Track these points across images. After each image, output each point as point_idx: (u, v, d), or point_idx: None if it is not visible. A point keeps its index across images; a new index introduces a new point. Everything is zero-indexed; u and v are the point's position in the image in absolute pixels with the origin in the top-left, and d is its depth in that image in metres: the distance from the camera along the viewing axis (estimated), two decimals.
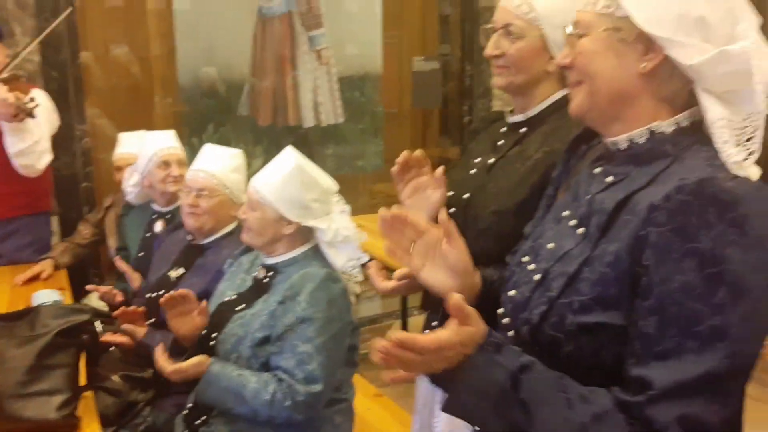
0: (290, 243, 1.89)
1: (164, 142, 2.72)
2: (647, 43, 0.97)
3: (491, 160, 1.57)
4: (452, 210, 1.55)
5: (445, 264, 1.12)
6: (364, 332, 4.18)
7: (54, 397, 1.59)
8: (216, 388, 1.76)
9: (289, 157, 1.87)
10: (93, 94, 3.56)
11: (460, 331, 0.95)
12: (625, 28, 0.98)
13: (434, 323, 1.21)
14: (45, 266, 2.89)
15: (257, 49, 3.89)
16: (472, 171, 1.61)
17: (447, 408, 1.00)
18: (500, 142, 1.59)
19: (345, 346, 1.87)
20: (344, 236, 1.84)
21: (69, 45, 3.37)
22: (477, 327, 0.96)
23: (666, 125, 1.00)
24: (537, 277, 1.06)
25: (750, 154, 0.96)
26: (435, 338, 0.93)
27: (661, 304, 0.90)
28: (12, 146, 2.78)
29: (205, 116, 3.81)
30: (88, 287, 2.67)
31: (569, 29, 1.05)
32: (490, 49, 1.52)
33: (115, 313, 2.17)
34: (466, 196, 1.57)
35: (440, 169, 1.54)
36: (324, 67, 4.05)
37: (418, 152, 1.55)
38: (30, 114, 2.70)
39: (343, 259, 1.86)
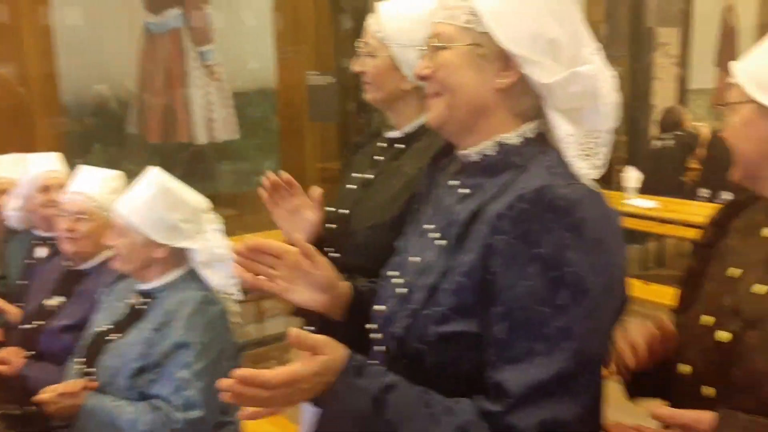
0: (163, 267, 1.84)
1: (45, 165, 2.59)
2: (505, 60, 1.01)
3: (369, 176, 1.58)
4: (332, 225, 1.55)
5: (309, 282, 1.13)
6: (270, 351, 4.12)
7: None
8: (93, 423, 1.68)
9: (152, 177, 1.82)
10: None
11: (313, 361, 0.93)
12: (485, 44, 1.01)
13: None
14: None
15: (145, 66, 3.78)
16: (352, 186, 1.61)
17: None
18: (378, 158, 1.60)
19: (226, 369, 1.81)
20: (218, 255, 1.79)
21: None
22: (333, 354, 0.95)
23: (514, 137, 1.04)
24: (402, 290, 1.07)
25: (595, 167, 1.02)
26: (285, 372, 0.92)
27: (510, 309, 0.93)
28: None
29: (91, 136, 3.65)
30: None
31: (429, 40, 1.06)
32: (355, 66, 1.54)
33: None
34: (345, 211, 1.56)
35: (317, 190, 1.54)
36: (216, 82, 3.98)
37: (285, 174, 1.54)
38: None
39: (220, 278, 1.81)
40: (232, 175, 4.18)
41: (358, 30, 4.59)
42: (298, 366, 0.93)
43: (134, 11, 3.71)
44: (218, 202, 1.92)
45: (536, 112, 1.04)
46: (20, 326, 2.20)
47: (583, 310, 0.91)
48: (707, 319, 1.13)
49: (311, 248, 1.12)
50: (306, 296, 1.13)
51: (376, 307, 1.13)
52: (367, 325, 1.14)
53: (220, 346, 1.76)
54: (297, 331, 0.94)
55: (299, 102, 4.50)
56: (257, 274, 1.12)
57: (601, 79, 1.02)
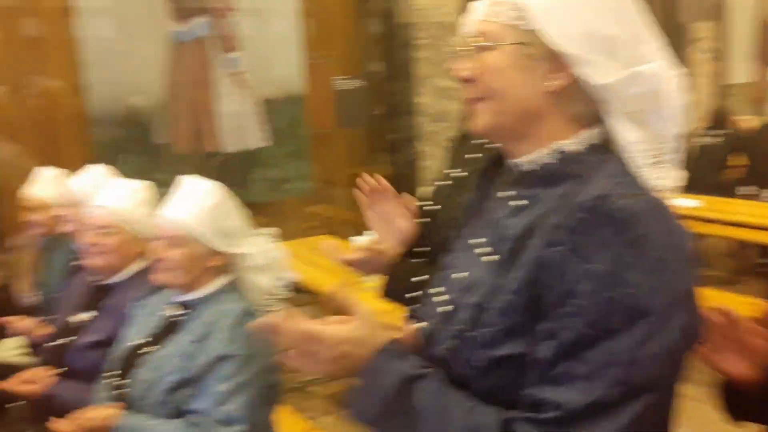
0: (209, 277, 1.78)
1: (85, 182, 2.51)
2: (555, 60, 0.92)
3: (464, 173, 1.53)
4: (425, 220, 1.53)
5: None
6: None
7: None
8: None
9: (206, 185, 1.78)
10: (3, 129, 3.36)
11: (348, 327, 0.93)
12: (534, 43, 0.92)
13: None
14: None
15: (172, 75, 3.75)
16: (445, 182, 1.57)
17: (349, 411, 0.95)
18: (472, 156, 1.54)
19: (266, 383, 1.75)
20: (272, 257, 1.76)
21: None
22: (373, 330, 0.94)
23: (573, 144, 0.95)
24: (444, 309, 0.98)
25: (667, 177, 0.94)
26: (312, 325, 0.92)
27: (556, 328, 0.85)
28: None
29: (119, 147, 3.64)
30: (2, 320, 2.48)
31: (472, 40, 0.98)
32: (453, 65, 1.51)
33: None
34: (436, 207, 1.54)
35: (409, 200, 1.52)
36: (244, 90, 3.94)
37: (381, 179, 1.53)
38: None
39: (269, 281, 1.77)
40: (262, 183, 4.14)
41: (385, 34, 4.56)
42: (323, 327, 0.92)
43: (161, 21, 3.69)
44: (249, 210, 1.86)
45: (595, 118, 0.95)
46: (47, 343, 2.15)
47: (636, 335, 0.82)
48: None
49: (351, 302, 0.99)
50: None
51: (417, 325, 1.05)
52: None
53: (262, 360, 1.68)
54: (341, 289, 0.93)
55: (328, 108, 4.45)
56: None
57: (665, 79, 0.93)
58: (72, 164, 2.83)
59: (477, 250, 0.99)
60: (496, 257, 0.95)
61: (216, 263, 1.76)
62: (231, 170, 3.97)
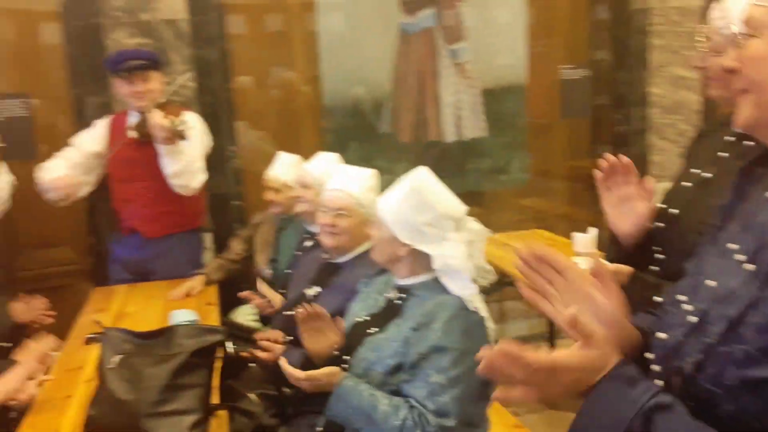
0: (411, 266, 1.82)
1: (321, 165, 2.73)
2: None
3: (708, 175, 1.42)
4: (659, 225, 1.46)
5: (591, 311, 0.96)
6: None
7: (187, 416, 1.61)
8: (346, 404, 1.71)
9: (411, 177, 1.81)
10: (245, 116, 3.71)
11: (582, 354, 0.85)
12: None
13: None
14: (197, 282, 3.02)
15: (399, 66, 3.88)
16: (686, 183, 1.47)
17: None
18: (722, 154, 1.43)
19: (480, 379, 1.75)
20: (451, 265, 1.73)
21: (221, 71, 3.55)
22: (605, 352, 0.86)
23: None
24: (693, 319, 0.90)
25: None
26: (548, 358, 0.84)
27: None
28: (168, 167, 2.95)
29: (348, 135, 3.84)
30: (242, 294, 2.74)
31: (735, 27, 0.89)
32: (697, 62, 1.43)
33: (257, 335, 2.21)
34: (674, 211, 1.45)
35: (650, 181, 1.46)
36: (466, 80, 3.96)
37: (624, 158, 1.47)
38: (181, 136, 2.84)
39: (456, 288, 1.75)
40: (478, 173, 4.14)
41: (614, 21, 4.32)
42: (564, 354, 0.85)
43: (391, 14, 3.83)
44: (464, 200, 1.87)
45: None
46: (282, 312, 2.35)
47: None
48: None
49: (608, 274, 0.98)
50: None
51: (658, 334, 0.97)
52: (646, 354, 0.98)
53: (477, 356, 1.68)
54: (575, 314, 0.85)
55: (550, 98, 4.33)
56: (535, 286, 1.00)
57: None
58: (308, 150, 3.05)
59: (735, 257, 0.89)
60: (755, 266, 0.86)
61: (404, 254, 1.79)
62: (449, 160, 4.01)
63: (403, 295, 1.85)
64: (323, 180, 2.61)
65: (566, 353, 0.85)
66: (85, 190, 3.13)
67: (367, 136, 3.88)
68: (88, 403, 1.70)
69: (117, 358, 1.72)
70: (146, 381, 1.65)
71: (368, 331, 1.86)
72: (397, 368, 1.73)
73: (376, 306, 1.93)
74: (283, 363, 1.86)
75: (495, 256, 2.97)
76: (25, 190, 3.39)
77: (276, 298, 2.62)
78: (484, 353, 0.85)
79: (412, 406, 1.67)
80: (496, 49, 4.03)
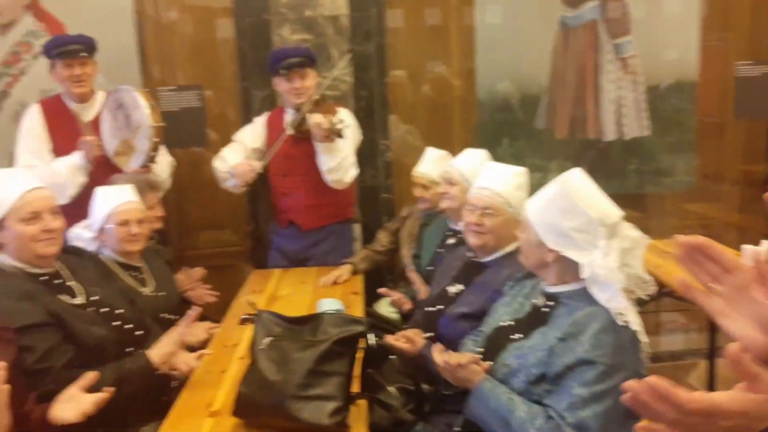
0: (559, 273, 1.75)
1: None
2: None
3: None
4: None
5: (755, 314, 0.85)
6: (663, 369, 3.79)
7: (328, 402, 1.66)
8: (484, 405, 1.69)
9: (562, 179, 1.73)
10: (399, 110, 3.76)
11: (745, 398, 0.75)
12: None
13: None
14: (344, 271, 3.11)
15: (557, 61, 3.75)
16: None
17: None
18: None
19: None
20: (600, 275, 1.63)
21: (377, 65, 3.61)
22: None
23: None
24: None
25: None
26: (705, 399, 0.75)
27: None
28: (324, 164, 3.07)
29: (499, 130, 3.78)
30: (381, 290, 2.79)
31: None
32: None
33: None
34: None
35: None
36: (629, 76, 3.75)
37: None
38: (339, 135, 2.94)
39: (603, 299, 1.65)
40: (639, 175, 3.91)
41: None
42: (723, 397, 0.76)
43: (551, 7, 3.71)
44: (623, 203, 1.76)
45: None
46: (425, 308, 2.35)
47: None
48: None
49: None
50: (740, 327, 0.85)
51: None
52: None
53: (626, 373, 1.56)
54: (739, 350, 0.75)
55: (723, 96, 4.00)
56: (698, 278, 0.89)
57: None
58: (460, 145, 3.04)
59: None
60: None
61: (551, 259, 1.72)
62: (607, 160, 3.83)
63: (551, 303, 1.78)
64: (470, 177, 2.58)
65: (726, 396, 0.76)
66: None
67: (520, 132, 3.79)
68: (239, 380, 1.79)
69: (267, 340, 1.80)
70: (293, 364, 1.71)
71: (512, 336, 1.82)
72: (541, 378, 1.67)
73: (522, 311, 1.88)
74: (434, 349, 1.85)
75: (653, 264, 2.80)
76: (194, 176, 3.67)
77: (423, 290, 2.63)
78: (630, 384, 0.78)
79: (549, 416, 1.61)
80: (665, 43, 3.78)
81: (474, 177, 2.61)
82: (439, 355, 1.86)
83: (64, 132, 3.11)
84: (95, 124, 3.13)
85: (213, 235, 3.86)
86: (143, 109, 2.98)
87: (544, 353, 1.66)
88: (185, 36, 3.73)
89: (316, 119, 2.92)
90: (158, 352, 2.03)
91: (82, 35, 3.11)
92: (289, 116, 3.23)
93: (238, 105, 3.69)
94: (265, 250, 3.57)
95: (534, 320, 1.80)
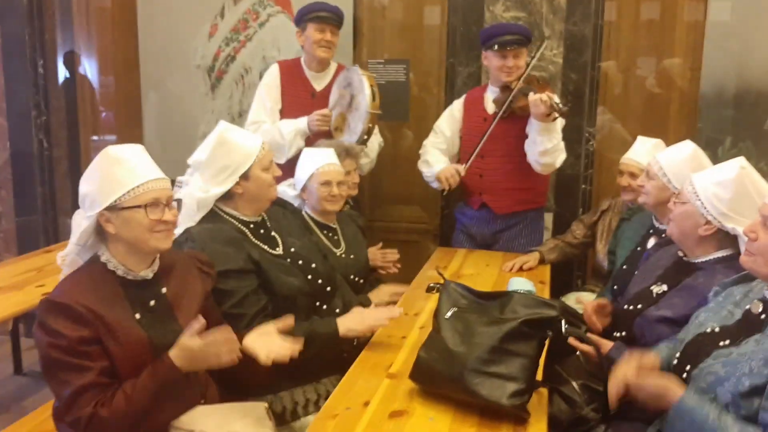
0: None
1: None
2: None
3: None
4: None
5: None
6: None
7: (509, 383, 1.59)
8: (686, 423, 1.51)
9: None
10: (608, 100, 3.54)
11: None
12: None
13: None
14: (531, 258, 3.00)
15: None
16: None
17: None
18: None
19: None
20: None
21: (592, 51, 3.42)
22: None
23: None
24: None
25: None
26: None
27: None
28: (540, 144, 2.93)
29: (722, 129, 3.42)
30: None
31: None
32: None
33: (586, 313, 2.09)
34: None
35: None
36: None
37: None
38: (562, 113, 2.80)
39: None
40: None
41: None
42: None
43: None
44: None
45: None
46: (622, 306, 2.18)
47: None
48: None
49: None
50: None
51: None
52: None
53: None
54: None
55: None
56: None
57: None
58: (676, 142, 2.77)
59: None
60: None
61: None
62: None
63: None
64: (669, 174, 2.35)
65: None
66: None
67: (746, 132, 3.41)
68: (420, 346, 1.78)
69: (453, 311, 1.76)
70: (477, 338, 1.66)
71: (719, 343, 1.62)
72: (754, 392, 1.46)
73: (731, 318, 1.67)
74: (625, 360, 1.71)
75: None
76: (392, 151, 3.73)
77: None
78: None
79: None
80: None
81: (676, 176, 2.36)
82: (626, 373, 1.67)
83: (295, 95, 3.30)
84: (324, 95, 3.27)
85: (403, 210, 3.91)
86: (366, 94, 3.08)
87: (759, 363, 1.46)
88: (396, 16, 3.77)
89: (537, 96, 2.80)
90: (347, 325, 2.10)
91: (336, 6, 3.29)
92: (491, 94, 3.16)
93: (442, 81, 3.68)
94: (451, 231, 3.55)
95: (747, 327, 1.60)
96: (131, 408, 1.60)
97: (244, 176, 2.12)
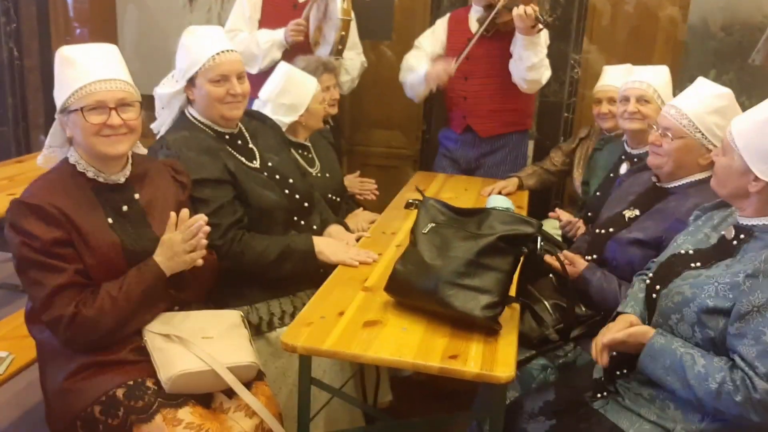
0: (760, 204, 1.55)
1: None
2: None
3: None
4: None
5: None
6: None
7: (483, 295, 1.61)
8: (657, 364, 1.53)
9: None
10: (594, 31, 3.49)
11: None
12: None
13: None
14: (509, 183, 3.00)
15: None
16: None
17: None
18: None
19: None
20: None
21: None
22: None
23: None
24: None
25: None
26: None
27: None
28: (527, 59, 2.87)
29: (707, 61, 3.40)
30: (552, 214, 2.66)
31: None
32: None
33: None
34: None
35: None
36: None
37: None
38: (547, 25, 2.74)
39: None
40: None
41: None
42: None
43: None
44: None
45: None
46: (595, 231, 2.20)
47: None
48: None
49: None
50: None
51: None
52: None
53: None
54: None
55: None
56: None
57: None
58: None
59: None
60: None
61: (755, 189, 1.53)
62: None
63: (743, 236, 1.59)
64: (663, 95, 2.35)
65: None
66: None
67: (730, 65, 3.39)
68: (396, 259, 1.79)
69: (431, 226, 1.77)
70: (453, 251, 1.67)
71: (689, 264, 1.65)
72: (715, 311, 1.49)
73: (706, 242, 1.70)
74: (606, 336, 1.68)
75: None
76: (374, 73, 3.65)
77: (580, 228, 2.49)
78: None
79: (733, 367, 1.44)
80: None
81: (667, 96, 2.37)
82: (603, 337, 1.67)
83: (276, 4, 3.18)
84: (303, 7, 3.17)
85: (384, 135, 3.87)
86: (338, 1, 2.97)
87: (724, 286, 1.49)
88: None
89: (521, 10, 2.74)
90: (321, 247, 2.12)
91: None
92: (475, 14, 3.09)
93: (427, 1, 3.59)
94: (432, 155, 3.53)
95: (719, 252, 1.62)
96: (117, 309, 1.62)
97: (191, 81, 2.09)
